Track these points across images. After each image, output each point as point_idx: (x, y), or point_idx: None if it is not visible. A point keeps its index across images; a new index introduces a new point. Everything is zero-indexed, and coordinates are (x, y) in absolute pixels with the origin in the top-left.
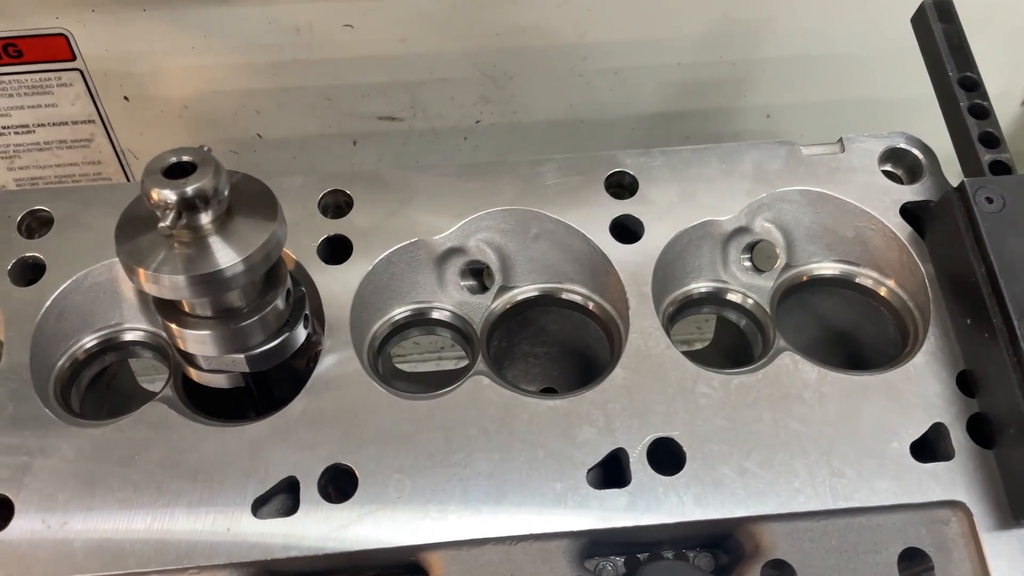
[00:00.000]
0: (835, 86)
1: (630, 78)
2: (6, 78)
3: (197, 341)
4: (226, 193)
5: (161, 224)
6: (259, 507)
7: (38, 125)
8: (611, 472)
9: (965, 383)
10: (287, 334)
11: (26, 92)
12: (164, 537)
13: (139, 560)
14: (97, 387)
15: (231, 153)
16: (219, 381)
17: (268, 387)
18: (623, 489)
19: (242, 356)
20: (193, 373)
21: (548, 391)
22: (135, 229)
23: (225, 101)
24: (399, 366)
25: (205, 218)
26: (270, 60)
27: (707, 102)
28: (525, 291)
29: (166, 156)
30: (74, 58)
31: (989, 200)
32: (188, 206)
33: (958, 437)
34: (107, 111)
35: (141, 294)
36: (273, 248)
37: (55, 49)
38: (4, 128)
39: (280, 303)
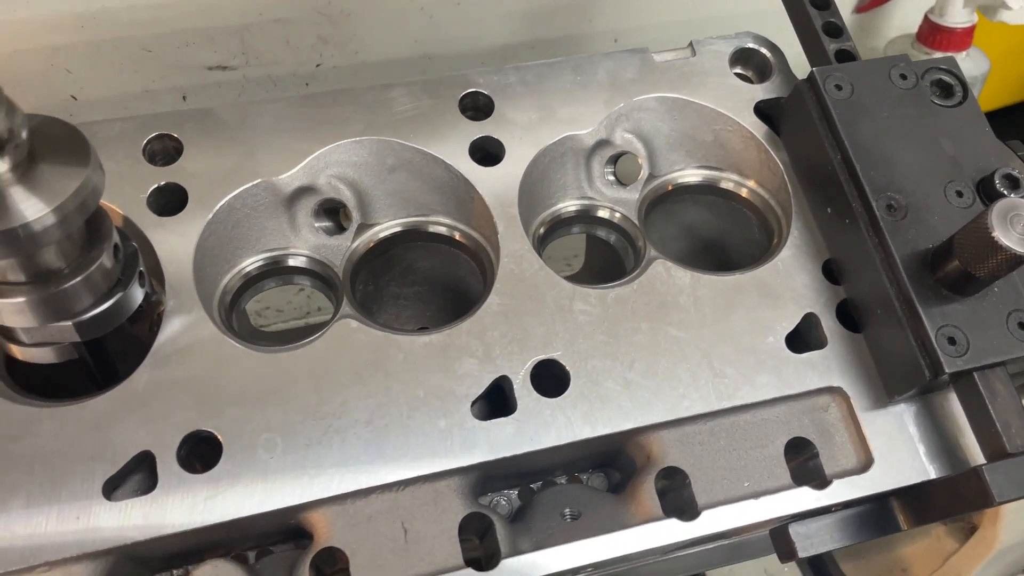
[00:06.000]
0: (679, 5)
1: (473, 9)
2: None
3: (14, 311)
4: (24, 135)
5: None
6: (112, 490)
7: None
8: (496, 402)
9: (831, 272)
10: (120, 294)
11: None
12: (2, 537)
13: None
14: None
15: None
16: (47, 356)
17: (106, 358)
18: (510, 417)
19: (69, 323)
20: (16, 350)
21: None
22: None
23: (29, 60)
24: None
25: (1, 166)
26: (75, 10)
27: (554, 30)
28: (387, 227)
29: None
30: None
31: (838, 87)
32: None
33: (829, 325)
34: None
35: None
36: (89, 196)
37: None
38: None
39: (107, 260)
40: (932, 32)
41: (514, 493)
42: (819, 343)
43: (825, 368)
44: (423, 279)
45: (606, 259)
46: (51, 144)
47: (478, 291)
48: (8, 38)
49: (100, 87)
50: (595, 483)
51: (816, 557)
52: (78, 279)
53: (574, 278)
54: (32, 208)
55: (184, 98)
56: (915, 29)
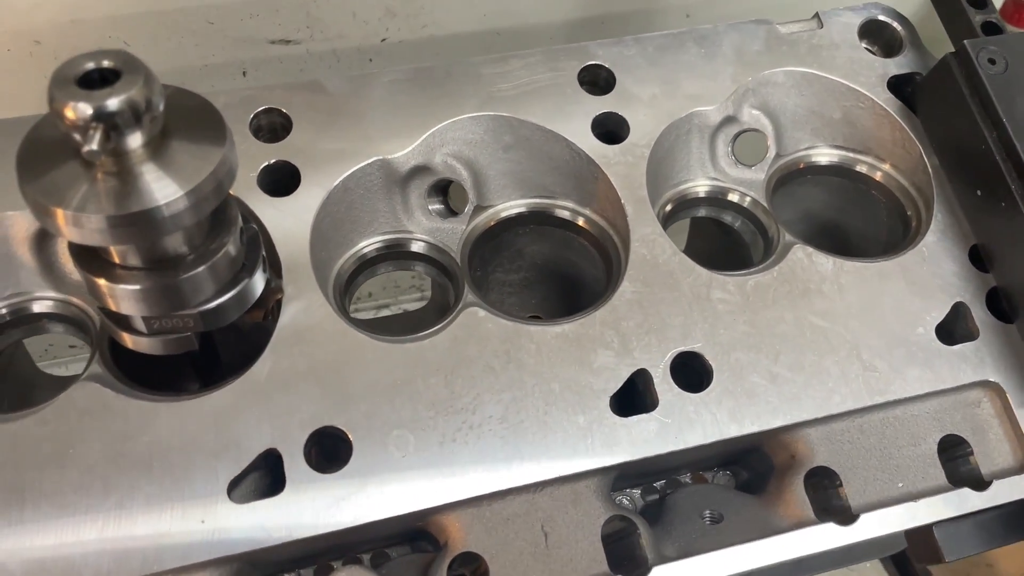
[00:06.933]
0: None
1: None
2: None
3: (136, 299)
4: (161, 107)
5: (86, 148)
6: (236, 489)
7: None
8: (635, 396)
9: (978, 258)
10: (245, 281)
11: None
12: (122, 542)
13: (95, 573)
14: None
15: None
16: (165, 347)
17: (223, 348)
18: (652, 413)
19: (196, 312)
20: (129, 340)
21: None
22: (43, 160)
23: (87, 32)
24: None
25: (136, 140)
26: None
27: (625, 4)
28: (507, 208)
29: (80, 61)
30: None
31: (992, 61)
32: (114, 124)
33: (979, 314)
34: None
35: (43, 254)
36: (225, 177)
37: None
38: None
39: (232, 245)
40: (1017, 9)
41: (636, 492)
42: (969, 334)
43: (978, 360)
44: (530, 265)
45: (715, 241)
46: (183, 118)
47: (592, 278)
48: (66, 7)
49: (159, 60)
50: (721, 482)
51: (900, 553)
52: (205, 266)
53: None
54: (165, 190)
55: (244, 73)
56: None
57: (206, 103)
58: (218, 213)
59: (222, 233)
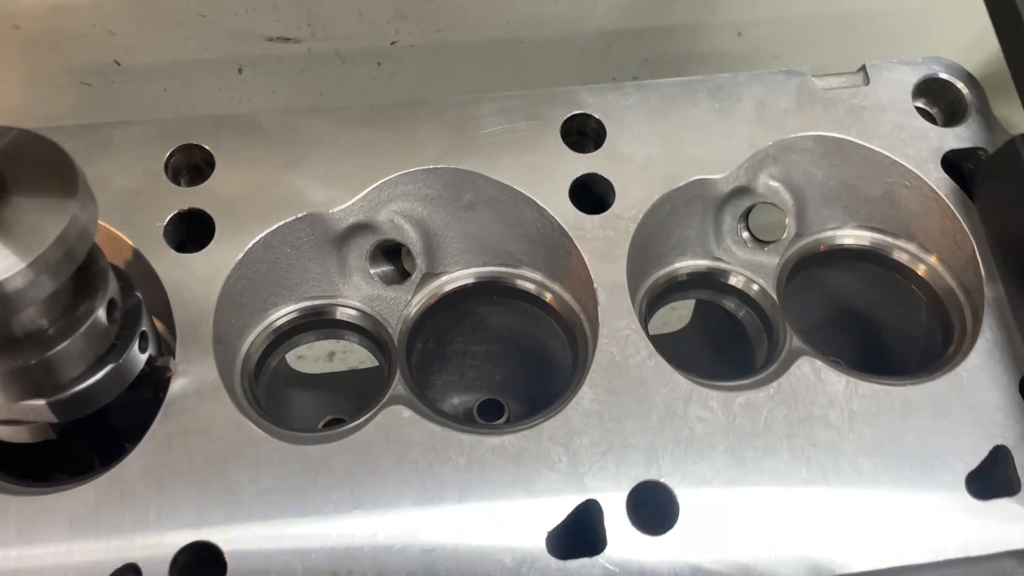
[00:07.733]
0: None
1: None
2: None
3: None
4: None
5: None
6: None
7: None
8: (580, 534)
9: None
10: (112, 365)
11: None
12: None
13: None
14: None
15: (83, 85)
16: (15, 435)
17: (91, 435)
18: (597, 558)
19: (43, 403)
20: None
21: (491, 404)
22: None
23: (69, 18)
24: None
25: None
26: None
27: (670, 17)
28: (456, 279)
29: None
30: None
31: None
32: None
33: (1023, 463)
34: None
35: None
36: (76, 240)
37: None
38: None
39: (101, 317)
40: None
41: None
42: (1008, 487)
43: (1016, 523)
44: (495, 337)
45: (720, 328)
46: (26, 170)
47: (563, 362)
48: None
49: (147, 53)
50: None
51: None
52: (60, 347)
53: (672, 341)
54: (2, 262)
55: (240, 71)
56: None
57: (56, 149)
58: (82, 280)
59: (84, 304)
